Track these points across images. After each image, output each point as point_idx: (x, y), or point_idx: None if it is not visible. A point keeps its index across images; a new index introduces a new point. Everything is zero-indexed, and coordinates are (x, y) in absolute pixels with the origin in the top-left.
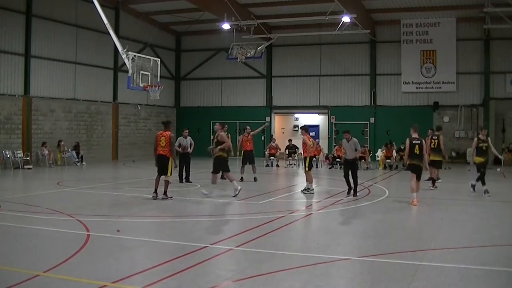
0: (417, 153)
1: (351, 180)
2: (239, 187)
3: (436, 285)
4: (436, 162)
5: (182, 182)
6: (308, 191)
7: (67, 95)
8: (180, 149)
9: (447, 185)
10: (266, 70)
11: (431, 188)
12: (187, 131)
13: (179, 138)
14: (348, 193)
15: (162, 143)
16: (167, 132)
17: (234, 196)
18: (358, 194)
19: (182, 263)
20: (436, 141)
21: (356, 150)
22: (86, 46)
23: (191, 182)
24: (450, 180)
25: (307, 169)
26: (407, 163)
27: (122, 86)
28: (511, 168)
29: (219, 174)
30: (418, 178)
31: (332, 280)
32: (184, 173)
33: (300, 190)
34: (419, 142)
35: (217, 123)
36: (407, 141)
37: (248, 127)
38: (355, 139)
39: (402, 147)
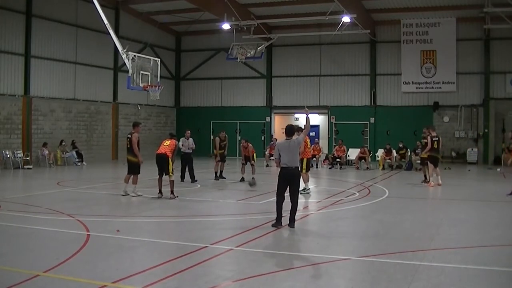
0: (436, 147)
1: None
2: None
3: (436, 285)
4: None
5: (183, 181)
6: (304, 191)
7: (67, 95)
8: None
9: (447, 185)
10: (266, 70)
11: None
12: (189, 132)
13: (181, 138)
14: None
15: (166, 143)
16: (174, 140)
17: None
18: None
19: (182, 263)
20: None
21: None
22: (86, 46)
23: (196, 181)
24: (450, 180)
25: (304, 170)
26: (429, 155)
27: (122, 86)
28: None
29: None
30: (436, 165)
31: (332, 280)
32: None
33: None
34: (437, 139)
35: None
36: (429, 138)
37: (243, 140)
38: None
39: (400, 145)
